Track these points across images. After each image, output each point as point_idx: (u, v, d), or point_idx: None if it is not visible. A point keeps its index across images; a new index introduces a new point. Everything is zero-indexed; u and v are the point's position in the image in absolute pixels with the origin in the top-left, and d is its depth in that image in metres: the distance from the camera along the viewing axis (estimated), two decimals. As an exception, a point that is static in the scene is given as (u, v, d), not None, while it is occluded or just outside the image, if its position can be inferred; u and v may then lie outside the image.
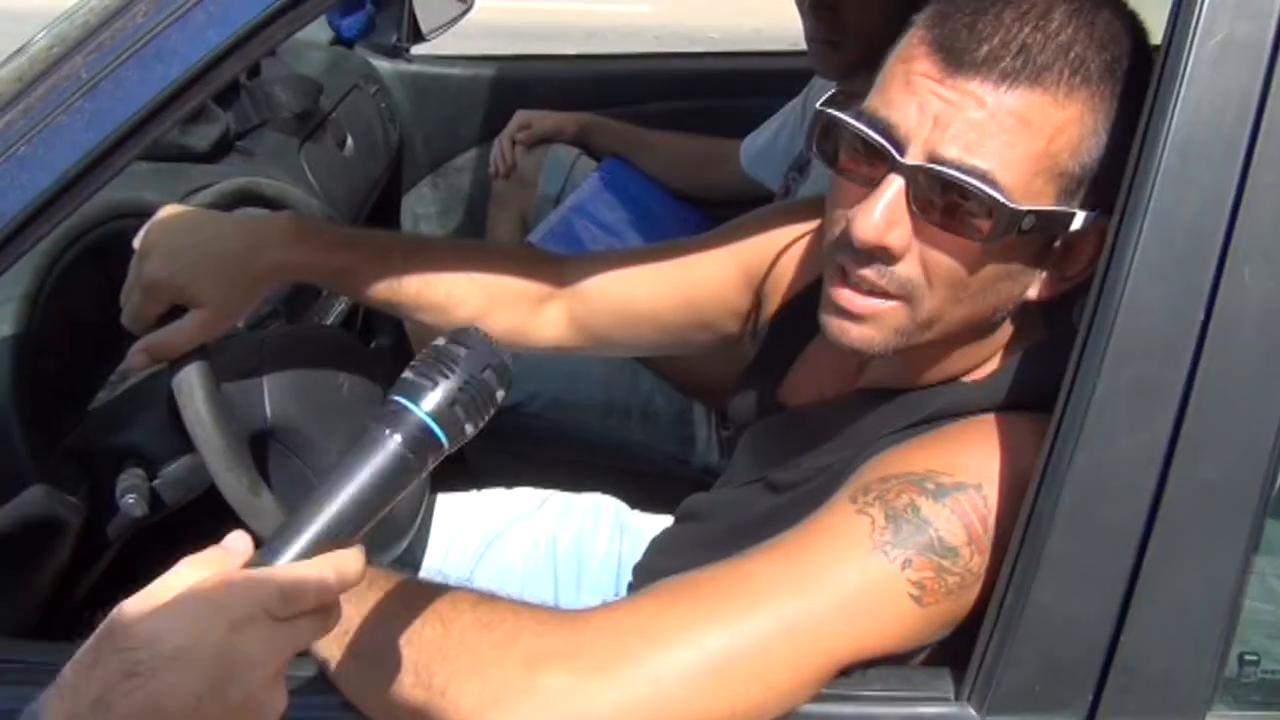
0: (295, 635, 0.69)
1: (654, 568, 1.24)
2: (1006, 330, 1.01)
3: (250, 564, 0.71)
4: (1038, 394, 0.94)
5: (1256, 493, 0.83)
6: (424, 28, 2.68)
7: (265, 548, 0.72)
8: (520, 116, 2.48)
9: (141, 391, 1.27)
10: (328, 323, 1.74)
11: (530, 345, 1.30)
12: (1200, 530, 0.84)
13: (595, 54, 4.01)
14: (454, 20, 2.75)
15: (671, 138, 2.48)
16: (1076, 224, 0.91)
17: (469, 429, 0.74)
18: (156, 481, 1.22)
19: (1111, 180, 0.90)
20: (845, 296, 0.95)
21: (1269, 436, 0.82)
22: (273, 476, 1.25)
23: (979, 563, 0.90)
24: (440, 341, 0.75)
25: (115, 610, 0.67)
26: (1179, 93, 0.80)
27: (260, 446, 1.24)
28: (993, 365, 1.02)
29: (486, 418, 0.75)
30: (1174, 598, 0.85)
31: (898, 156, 0.90)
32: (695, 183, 2.45)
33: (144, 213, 1.33)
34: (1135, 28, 0.93)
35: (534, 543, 1.49)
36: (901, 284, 0.93)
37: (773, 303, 1.24)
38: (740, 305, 1.26)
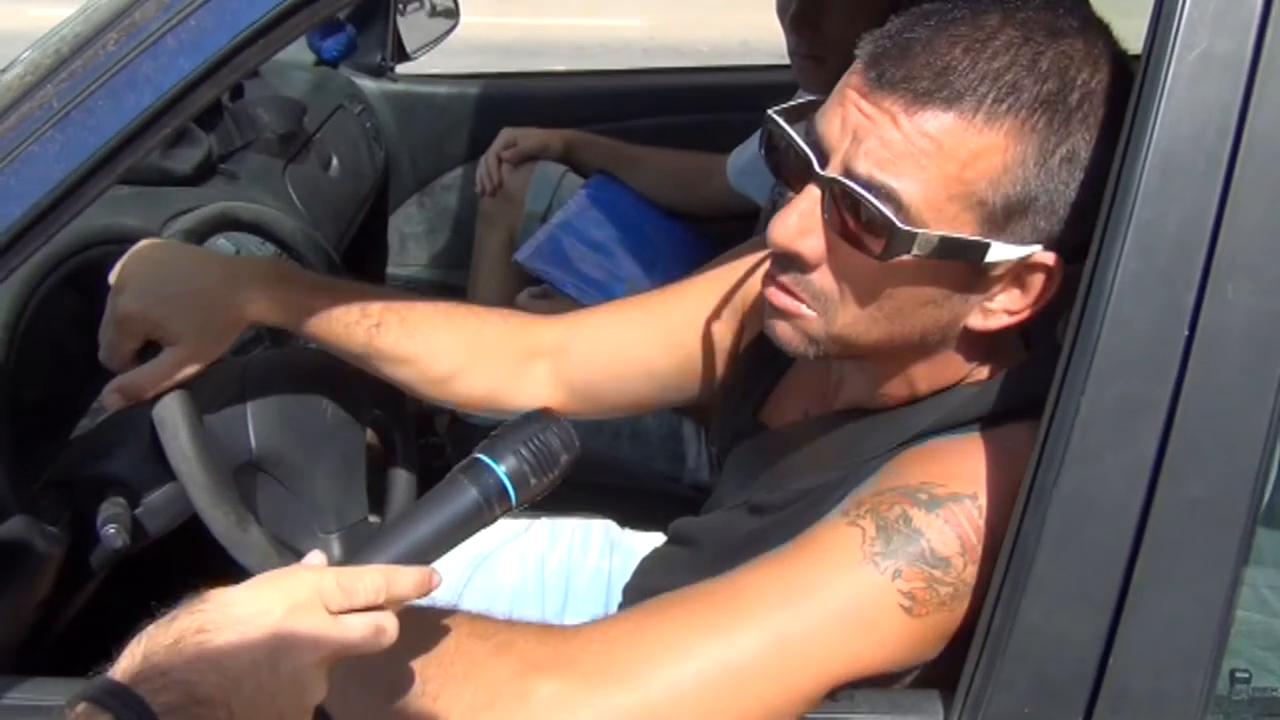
0: (344, 629, 0.76)
1: (644, 588, 1.23)
2: (978, 352, 1.00)
3: None
4: (1027, 405, 0.93)
5: (1244, 509, 0.82)
6: (409, 46, 2.68)
7: (344, 566, 0.81)
8: (506, 134, 2.47)
9: (123, 420, 1.25)
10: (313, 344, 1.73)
11: (514, 406, 1.25)
12: (1188, 547, 0.83)
13: (580, 70, 4.01)
14: (439, 38, 2.75)
15: (658, 153, 2.48)
16: (995, 255, 0.90)
17: (534, 483, 0.86)
18: (139, 510, 1.21)
19: (1057, 216, 0.89)
20: (771, 293, 0.97)
21: (1256, 452, 0.82)
22: (260, 506, 1.23)
23: (973, 572, 0.89)
24: (522, 415, 0.89)
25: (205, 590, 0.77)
26: (1159, 107, 0.80)
27: (246, 477, 1.22)
28: (974, 380, 1.01)
29: (550, 477, 0.87)
30: (1163, 616, 0.84)
31: (816, 167, 0.91)
32: (683, 198, 2.45)
33: (125, 239, 1.32)
34: (1108, 61, 0.90)
35: (522, 562, 1.49)
36: (815, 293, 0.94)
37: (753, 327, 1.23)
38: (728, 344, 1.24)
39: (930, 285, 0.92)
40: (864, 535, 0.89)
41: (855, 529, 0.90)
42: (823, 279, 0.94)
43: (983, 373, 1.01)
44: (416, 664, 0.86)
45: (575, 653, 0.88)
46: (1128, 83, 0.87)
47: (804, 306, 0.95)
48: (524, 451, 0.86)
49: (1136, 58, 0.85)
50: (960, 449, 0.95)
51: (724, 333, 1.25)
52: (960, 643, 0.91)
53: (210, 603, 0.74)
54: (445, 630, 0.88)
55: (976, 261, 0.90)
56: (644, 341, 1.25)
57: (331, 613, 0.76)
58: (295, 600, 0.75)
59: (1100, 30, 0.92)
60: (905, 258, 0.89)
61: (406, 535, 0.84)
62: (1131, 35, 1.06)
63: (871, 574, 0.88)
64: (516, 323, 1.26)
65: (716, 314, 1.24)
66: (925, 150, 0.87)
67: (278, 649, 0.73)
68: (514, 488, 0.86)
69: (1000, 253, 0.90)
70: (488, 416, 2.05)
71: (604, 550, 1.50)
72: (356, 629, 0.77)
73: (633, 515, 1.59)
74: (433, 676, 0.86)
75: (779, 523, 1.02)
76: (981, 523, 0.90)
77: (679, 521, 1.25)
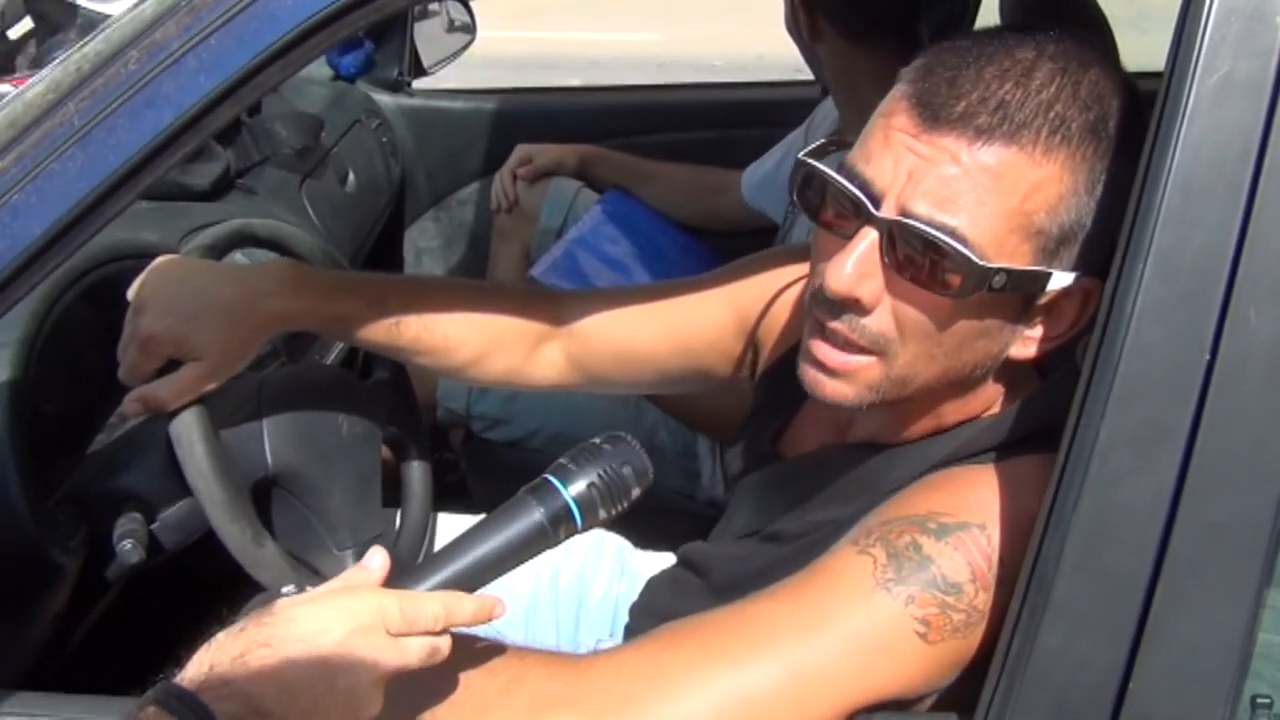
0: (402, 652, 0.79)
1: (652, 609, 1.23)
2: (999, 382, 1.01)
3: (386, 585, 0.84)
4: (1038, 435, 0.94)
5: (1266, 534, 0.82)
6: (425, 61, 2.69)
7: (407, 575, 0.84)
8: (521, 151, 2.48)
9: (140, 435, 1.26)
10: (328, 360, 1.73)
11: (529, 385, 1.30)
12: (1209, 573, 0.82)
13: (596, 86, 4.02)
14: (456, 53, 2.75)
15: (673, 168, 2.48)
16: (1054, 284, 0.91)
17: (602, 514, 0.87)
18: (155, 525, 1.21)
19: (1098, 241, 0.90)
20: (822, 350, 0.96)
21: (1278, 478, 0.81)
22: (276, 522, 1.24)
23: (984, 600, 0.89)
24: (597, 440, 0.89)
25: (272, 602, 0.80)
26: (1180, 130, 0.79)
27: (262, 493, 1.22)
28: (990, 413, 1.01)
29: (620, 508, 0.88)
30: (1184, 641, 0.83)
31: (872, 210, 0.90)
32: (698, 213, 2.45)
33: (143, 254, 1.32)
34: (1126, 86, 0.92)
35: (536, 574, 1.49)
36: (873, 338, 0.93)
37: (769, 351, 1.23)
38: (736, 351, 1.26)
39: (989, 318, 0.93)
40: (875, 563, 0.89)
41: (866, 557, 0.90)
42: (881, 321, 0.93)
43: (1001, 402, 1.01)
44: (426, 704, 0.86)
45: (589, 688, 0.87)
46: (1143, 105, 0.89)
47: (861, 358, 0.94)
48: (596, 480, 0.86)
49: (1155, 75, 0.85)
50: (969, 478, 0.95)
51: (734, 344, 1.25)
52: (973, 670, 0.90)
53: (276, 617, 0.78)
54: (453, 665, 0.87)
55: (1036, 292, 0.91)
56: (653, 337, 1.26)
57: (391, 635, 0.79)
58: (358, 622, 0.78)
59: (1114, 58, 0.94)
60: (979, 293, 0.89)
61: (469, 551, 0.85)
62: (1146, 52, 1.06)
63: (885, 600, 0.88)
64: (530, 304, 1.28)
65: (730, 324, 1.25)
66: (985, 185, 0.87)
67: (337, 667, 0.76)
68: (581, 514, 0.86)
69: (1058, 281, 0.91)
70: (503, 433, 2.08)
71: (614, 574, 1.50)
72: (413, 652, 0.80)
73: (646, 532, 1.58)
74: (443, 717, 0.86)
75: (797, 552, 1.01)
76: (991, 551, 0.90)
77: (690, 546, 1.25)
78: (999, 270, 0.88)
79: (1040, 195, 0.88)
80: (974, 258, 0.87)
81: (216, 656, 0.76)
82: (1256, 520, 0.81)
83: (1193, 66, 0.79)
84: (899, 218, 0.89)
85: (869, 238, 0.90)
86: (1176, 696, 0.84)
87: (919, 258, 0.89)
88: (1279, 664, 0.92)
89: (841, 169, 0.93)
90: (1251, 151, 0.79)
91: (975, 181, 0.87)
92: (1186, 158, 0.79)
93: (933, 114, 0.88)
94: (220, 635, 0.78)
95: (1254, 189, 0.79)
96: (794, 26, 1.95)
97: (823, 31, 1.86)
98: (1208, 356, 0.80)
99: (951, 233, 0.87)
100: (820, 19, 1.85)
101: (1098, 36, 1.11)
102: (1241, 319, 0.79)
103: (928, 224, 0.88)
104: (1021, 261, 0.89)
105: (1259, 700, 0.88)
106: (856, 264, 0.90)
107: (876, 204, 0.90)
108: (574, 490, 0.86)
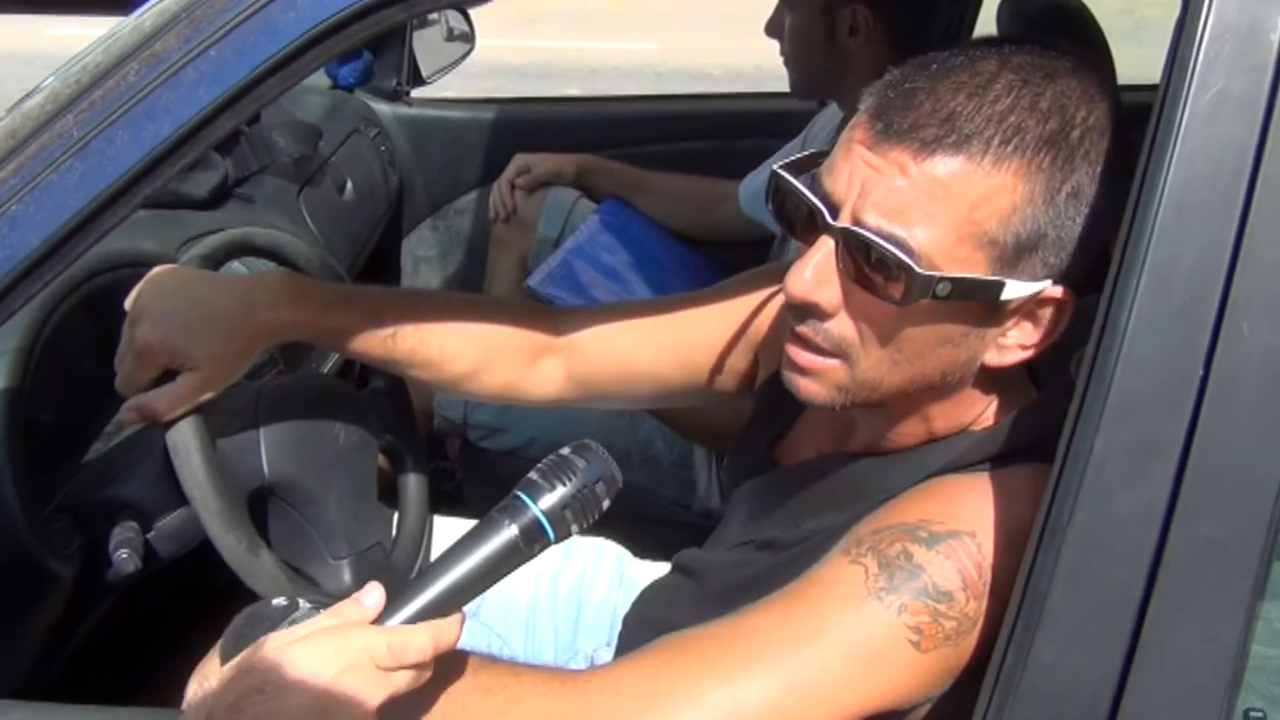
0: (392, 683, 0.81)
1: (645, 618, 1.24)
2: (990, 392, 1.01)
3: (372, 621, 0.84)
4: (1031, 446, 0.95)
5: (1259, 548, 0.82)
6: (424, 70, 2.70)
7: (392, 599, 0.84)
8: (519, 160, 2.48)
9: (136, 444, 1.26)
10: (325, 370, 1.73)
11: (526, 399, 1.30)
12: (1202, 587, 0.82)
13: (594, 96, 4.02)
14: (455, 63, 2.76)
15: (671, 178, 2.49)
16: (1011, 293, 0.91)
17: (574, 529, 0.87)
18: (151, 534, 1.21)
19: (1070, 250, 0.91)
20: (792, 350, 0.98)
21: (1271, 491, 0.81)
22: (272, 532, 1.24)
23: (975, 608, 0.90)
24: (565, 451, 0.88)
25: (262, 640, 0.81)
26: (1175, 145, 0.80)
27: (258, 502, 1.22)
28: (984, 424, 1.02)
29: (591, 520, 0.87)
30: (1178, 655, 0.83)
31: (828, 219, 0.92)
32: (695, 223, 2.46)
33: (141, 263, 1.32)
34: (1105, 97, 0.92)
35: (537, 576, 1.49)
36: (835, 342, 0.95)
37: (770, 362, 1.23)
38: (740, 366, 1.26)
39: (947, 325, 0.93)
40: (867, 573, 0.90)
41: (858, 567, 0.91)
42: (841, 326, 0.95)
43: (995, 413, 1.02)
44: None
45: (586, 707, 0.88)
46: (1122, 116, 0.89)
47: (826, 359, 0.96)
48: (568, 497, 0.86)
49: (1151, 88, 0.85)
50: (960, 487, 0.96)
51: (738, 359, 1.26)
52: (965, 678, 0.91)
53: (267, 660, 0.78)
54: (449, 686, 0.87)
55: (992, 300, 0.91)
56: (657, 353, 1.26)
57: (380, 669, 0.80)
58: (347, 661, 0.79)
59: (1093, 68, 0.94)
60: (924, 301, 0.89)
61: (448, 573, 0.85)
62: (1144, 64, 1.06)
63: (877, 610, 0.89)
64: (527, 319, 1.28)
65: (732, 340, 1.25)
66: (934, 195, 0.88)
67: (329, 707, 0.78)
68: (552, 527, 0.86)
69: (1014, 290, 0.91)
70: (499, 442, 2.08)
71: (613, 582, 1.50)
72: (401, 682, 0.81)
73: (641, 542, 1.59)
74: None
75: (791, 559, 1.02)
76: (981, 558, 0.90)
77: (684, 553, 1.25)
78: (942, 279, 0.89)
79: (990, 205, 0.88)
80: (915, 267, 0.88)
81: (214, 704, 0.77)
82: (1250, 534, 0.81)
83: (1187, 82, 0.79)
84: (851, 226, 0.90)
85: (826, 246, 0.93)
86: (1170, 710, 0.84)
87: (867, 266, 0.91)
88: (1272, 677, 0.92)
89: (809, 181, 0.95)
90: (1245, 167, 0.79)
91: (922, 192, 0.88)
92: (1181, 173, 0.80)
93: (885, 126, 0.90)
94: (213, 682, 0.79)
95: (1248, 204, 0.79)
96: (781, 31, 1.97)
97: (877, 36, 1.87)
98: (1201, 371, 0.80)
99: (899, 243, 0.88)
100: (880, 25, 1.86)
101: (1092, 49, 1.12)
102: (1235, 333, 0.80)
103: (876, 233, 0.89)
104: (975, 270, 0.90)
105: (1252, 714, 0.88)
106: (814, 270, 0.93)
107: (834, 214, 0.92)
108: (544, 505, 0.86)
